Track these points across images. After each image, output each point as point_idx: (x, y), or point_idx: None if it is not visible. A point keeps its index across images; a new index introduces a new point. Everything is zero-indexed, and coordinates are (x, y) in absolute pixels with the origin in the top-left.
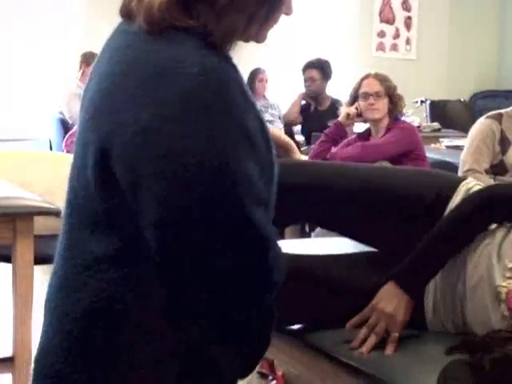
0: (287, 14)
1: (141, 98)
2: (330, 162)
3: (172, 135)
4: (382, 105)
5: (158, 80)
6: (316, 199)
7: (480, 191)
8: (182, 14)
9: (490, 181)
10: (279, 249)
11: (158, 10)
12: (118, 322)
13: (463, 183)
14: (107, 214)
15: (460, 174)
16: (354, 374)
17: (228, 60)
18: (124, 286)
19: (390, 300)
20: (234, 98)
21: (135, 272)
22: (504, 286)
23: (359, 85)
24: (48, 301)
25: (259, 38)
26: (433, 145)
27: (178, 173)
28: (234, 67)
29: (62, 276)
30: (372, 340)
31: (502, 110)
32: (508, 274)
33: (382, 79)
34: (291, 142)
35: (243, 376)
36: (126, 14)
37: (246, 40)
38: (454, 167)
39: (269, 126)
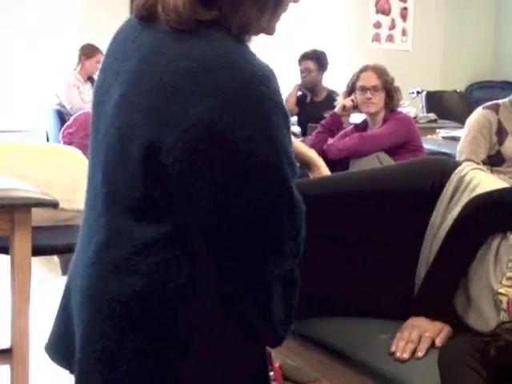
0: (295, 1)
1: (192, 93)
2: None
3: (226, 126)
4: (379, 99)
5: (208, 75)
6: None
7: (482, 198)
8: (205, 8)
9: (486, 172)
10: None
11: (183, 9)
12: (171, 301)
13: (456, 171)
14: (155, 203)
15: None
16: (352, 367)
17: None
18: (175, 266)
19: (416, 325)
20: (276, 87)
21: (185, 253)
22: (504, 295)
23: (357, 77)
24: (82, 291)
25: (270, 29)
26: (429, 136)
27: (231, 163)
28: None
29: (105, 265)
30: (410, 347)
31: (499, 101)
32: (506, 282)
33: (379, 73)
34: (315, 158)
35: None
36: (146, 15)
37: (257, 33)
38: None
39: (292, 138)
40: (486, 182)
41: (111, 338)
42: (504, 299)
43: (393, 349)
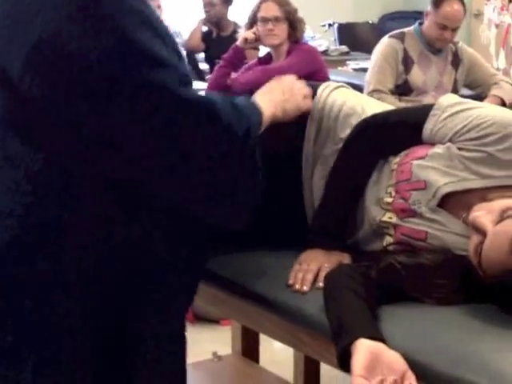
0: None
1: (35, 4)
2: None
3: (69, 36)
4: (281, 30)
5: None
6: None
7: (362, 121)
8: None
9: (395, 101)
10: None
11: None
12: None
13: (322, 86)
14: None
15: (365, 95)
16: (248, 300)
17: None
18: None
19: (314, 257)
20: None
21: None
22: (388, 222)
23: (258, 8)
24: None
25: None
26: (340, 68)
27: (84, 72)
28: None
29: None
30: (310, 277)
31: (405, 29)
32: (385, 207)
33: (281, 3)
34: None
35: None
36: None
37: None
38: (360, 89)
39: None
40: (353, 103)
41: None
42: (390, 225)
43: (291, 281)
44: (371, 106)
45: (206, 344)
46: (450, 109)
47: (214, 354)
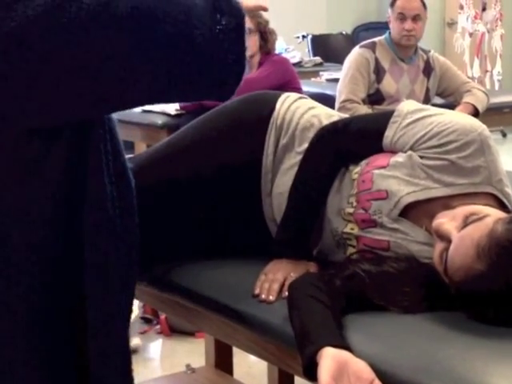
0: None
1: None
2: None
3: None
4: (253, 42)
5: None
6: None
7: (322, 129)
8: None
9: (368, 110)
10: None
11: None
12: None
13: (281, 99)
14: None
15: (337, 104)
16: (217, 312)
17: None
18: None
19: (280, 267)
20: None
21: None
22: (349, 233)
23: None
24: None
25: None
26: (313, 79)
27: None
28: None
29: None
30: (275, 287)
31: (376, 39)
32: (347, 217)
33: (252, 15)
34: None
35: None
36: None
37: None
38: (333, 99)
39: None
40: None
41: None
42: (352, 237)
43: (257, 291)
44: (328, 118)
45: (182, 356)
46: (411, 116)
47: (188, 366)
